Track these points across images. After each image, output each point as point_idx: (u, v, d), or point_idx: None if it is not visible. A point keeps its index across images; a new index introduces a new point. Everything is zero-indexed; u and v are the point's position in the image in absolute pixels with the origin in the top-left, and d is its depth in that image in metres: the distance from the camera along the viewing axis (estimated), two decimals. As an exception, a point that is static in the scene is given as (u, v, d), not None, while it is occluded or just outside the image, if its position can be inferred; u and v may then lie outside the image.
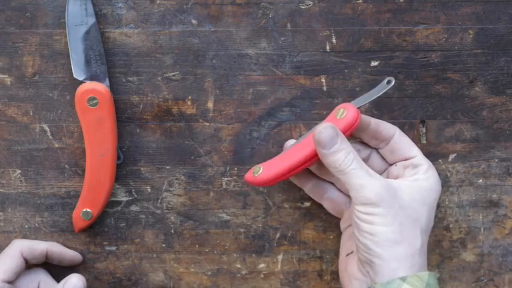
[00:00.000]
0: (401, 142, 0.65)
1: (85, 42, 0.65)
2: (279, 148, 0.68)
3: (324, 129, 0.61)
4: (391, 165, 0.66)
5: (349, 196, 0.68)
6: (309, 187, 0.68)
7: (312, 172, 0.67)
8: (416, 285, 0.59)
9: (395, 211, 0.60)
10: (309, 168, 0.67)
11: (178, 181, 0.69)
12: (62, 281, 0.66)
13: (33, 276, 0.68)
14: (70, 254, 0.69)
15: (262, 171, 0.64)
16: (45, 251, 0.67)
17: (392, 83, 0.63)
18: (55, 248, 0.68)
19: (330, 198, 0.68)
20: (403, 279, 0.59)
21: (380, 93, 0.64)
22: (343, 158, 0.61)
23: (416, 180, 0.63)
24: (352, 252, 0.65)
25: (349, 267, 0.65)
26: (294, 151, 0.64)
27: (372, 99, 0.64)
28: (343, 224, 0.68)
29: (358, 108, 0.63)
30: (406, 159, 0.65)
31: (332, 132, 0.61)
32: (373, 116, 0.66)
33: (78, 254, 0.70)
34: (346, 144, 0.61)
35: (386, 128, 0.65)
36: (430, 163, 0.65)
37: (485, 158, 0.69)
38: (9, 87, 0.67)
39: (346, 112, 0.62)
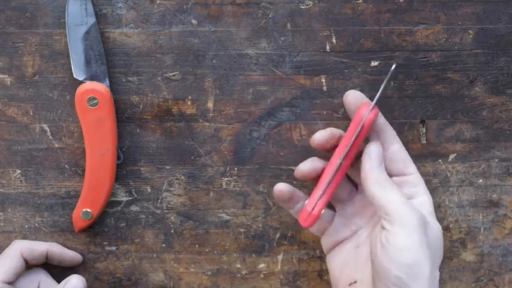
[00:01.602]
0: (400, 154, 0.63)
1: (85, 42, 0.65)
2: (279, 148, 0.68)
3: (375, 147, 0.62)
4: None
5: (333, 210, 0.67)
6: (295, 209, 0.67)
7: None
8: None
9: (424, 235, 0.59)
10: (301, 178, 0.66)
11: (178, 181, 0.69)
12: (62, 282, 0.66)
13: (33, 276, 0.67)
14: (70, 255, 0.69)
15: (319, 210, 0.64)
16: (45, 251, 0.67)
17: (394, 65, 0.62)
18: (55, 249, 0.68)
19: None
20: None
21: (387, 78, 0.62)
22: (386, 176, 0.62)
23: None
24: (356, 282, 0.63)
25: None
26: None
27: (382, 88, 0.63)
28: (327, 241, 0.66)
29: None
30: (402, 174, 0.64)
31: (381, 150, 0.62)
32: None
33: (78, 254, 0.70)
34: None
35: (387, 132, 0.63)
36: (424, 183, 0.64)
37: (485, 158, 0.69)
38: (9, 87, 0.67)
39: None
